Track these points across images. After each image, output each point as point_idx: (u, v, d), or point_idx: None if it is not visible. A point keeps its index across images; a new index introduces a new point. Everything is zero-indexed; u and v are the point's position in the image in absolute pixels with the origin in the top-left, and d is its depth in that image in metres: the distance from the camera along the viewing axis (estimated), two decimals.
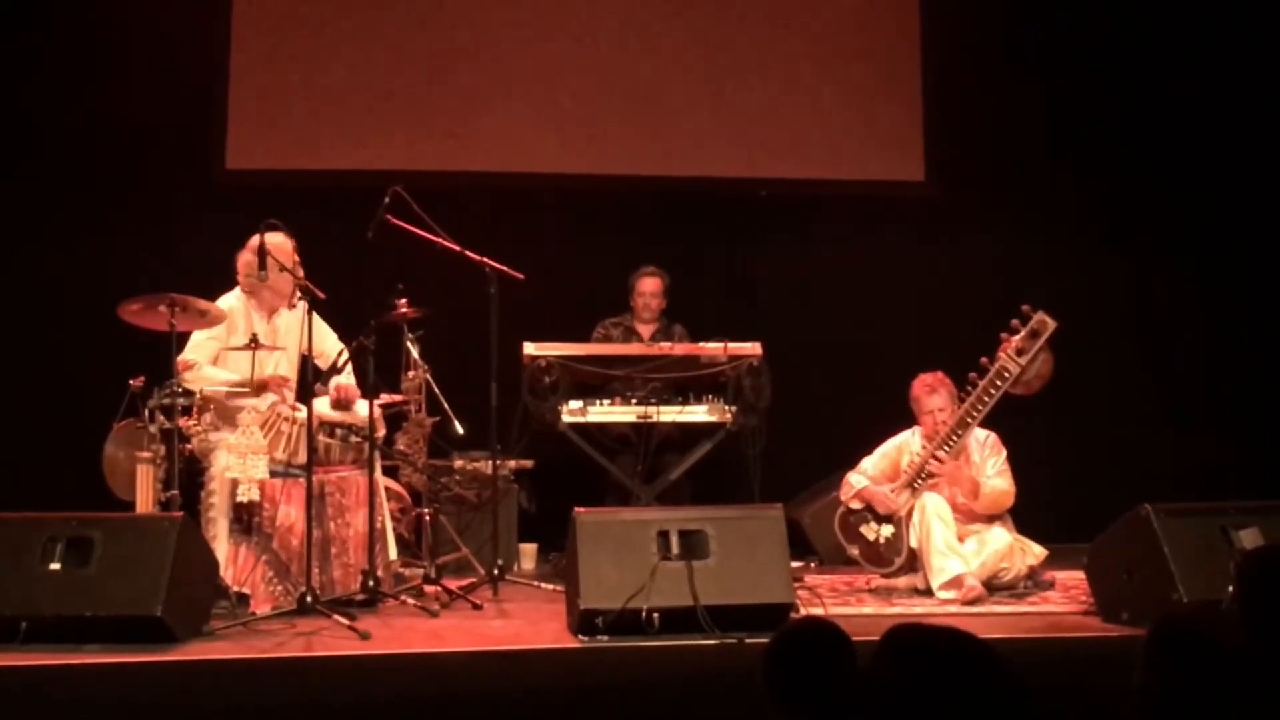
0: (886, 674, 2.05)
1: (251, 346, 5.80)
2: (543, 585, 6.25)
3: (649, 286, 7.34)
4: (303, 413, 5.69)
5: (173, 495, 5.67)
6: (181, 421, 5.75)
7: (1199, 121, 8.17)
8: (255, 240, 5.83)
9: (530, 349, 6.73)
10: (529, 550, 7.11)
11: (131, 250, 7.36)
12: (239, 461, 5.59)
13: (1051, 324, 6.02)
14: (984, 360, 6.05)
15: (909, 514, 6.11)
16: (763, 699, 2.52)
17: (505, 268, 6.29)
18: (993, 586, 5.96)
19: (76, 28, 7.62)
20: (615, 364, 6.83)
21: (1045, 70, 8.22)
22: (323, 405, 5.90)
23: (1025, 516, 6.31)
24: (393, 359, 6.24)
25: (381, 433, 6.01)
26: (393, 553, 6.08)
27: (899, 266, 8.15)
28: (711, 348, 6.83)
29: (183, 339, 5.91)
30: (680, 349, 6.90)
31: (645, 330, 7.33)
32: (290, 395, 6.01)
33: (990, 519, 6.16)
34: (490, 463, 6.54)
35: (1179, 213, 8.16)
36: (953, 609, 5.74)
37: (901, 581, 6.16)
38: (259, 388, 5.87)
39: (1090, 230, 8.22)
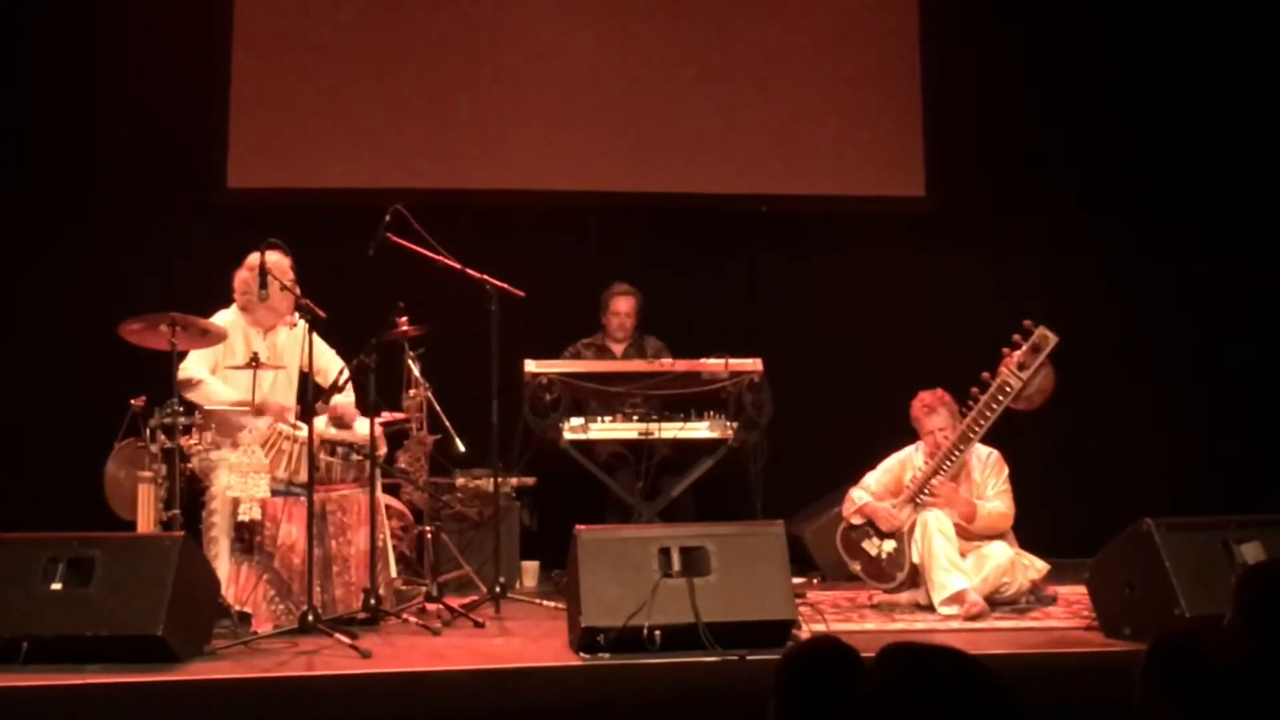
0: (882, 692, 2.05)
1: (252, 365, 5.81)
2: (545, 603, 6.24)
3: (624, 306, 7.30)
4: (304, 431, 5.68)
5: (174, 514, 5.66)
6: (182, 440, 5.75)
7: (1199, 135, 8.16)
8: (253, 258, 5.88)
9: (531, 366, 6.74)
10: (531, 568, 7.09)
11: (132, 269, 7.35)
12: (240, 480, 5.60)
13: (1053, 339, 6.01)
14: (985, 375, 6.05)
15: (911, 529, 6.11)
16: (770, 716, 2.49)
17: (506, 285, 6.29)
18: (995, 602, 5.95)
19: (76, 48, 7.62)
20: (616, 381, 6.83)
21: (1045, 84, 8.22)
22: (324, 424, 5.90)
23: (1027, 531, 6.31)
24: (394, 377, 6.24)
25: (383, 451, 6.00)
26: (394, 571, 6.08)
27: (900, 281, 8.13)
28: (712, 364, 6.82)
29: (184, 358, 5.91)
30: (681, 365, 6.88)
31: (618, 348, 7.32)
32: (290, 416, 6.01)
33: (992, 535, 6.16)
34: (492, 480, 6.53)
35: (1181, 228, 8.13)
36: (955, 624, 5.73)
37: (904, 597, 6.16)
38: (259, 410, 5.87)
39: (1091, 244, 8.21)
